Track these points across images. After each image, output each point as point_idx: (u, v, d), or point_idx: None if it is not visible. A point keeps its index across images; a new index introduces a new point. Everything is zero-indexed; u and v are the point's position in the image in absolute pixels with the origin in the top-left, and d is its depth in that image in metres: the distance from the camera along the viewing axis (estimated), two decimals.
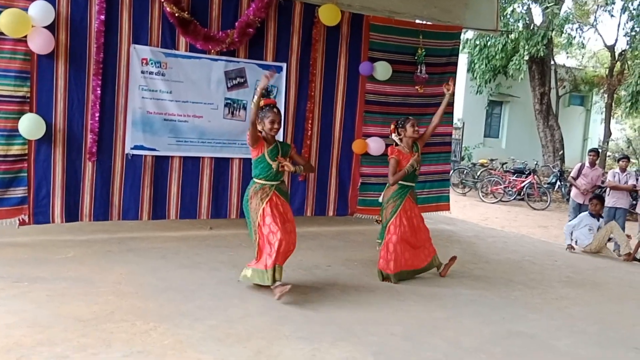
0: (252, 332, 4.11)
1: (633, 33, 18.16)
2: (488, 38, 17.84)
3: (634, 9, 17.55)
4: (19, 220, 6.19)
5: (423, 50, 8.13)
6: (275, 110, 4.97)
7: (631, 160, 22.35)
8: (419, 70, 8.15)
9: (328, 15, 7.35)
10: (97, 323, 4.05)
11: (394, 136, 5.89)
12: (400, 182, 5.73)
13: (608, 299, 5.89)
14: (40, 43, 5.98)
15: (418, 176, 5.94)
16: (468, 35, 18.45)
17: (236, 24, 6.88)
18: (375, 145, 7.91)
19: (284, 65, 7.39)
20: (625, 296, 6.10)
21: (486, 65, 18.51)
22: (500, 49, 17.55)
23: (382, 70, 7.87)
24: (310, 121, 7.61)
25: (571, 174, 10.60)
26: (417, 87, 8.23)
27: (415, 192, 5.98)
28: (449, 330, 4.47)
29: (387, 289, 5.45)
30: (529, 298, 5.56)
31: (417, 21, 8.43)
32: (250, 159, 7.24)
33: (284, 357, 3.74)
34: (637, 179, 9.81)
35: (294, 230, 5.06)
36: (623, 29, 19.20)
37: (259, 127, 4.96)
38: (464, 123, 19.05)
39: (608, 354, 4.33)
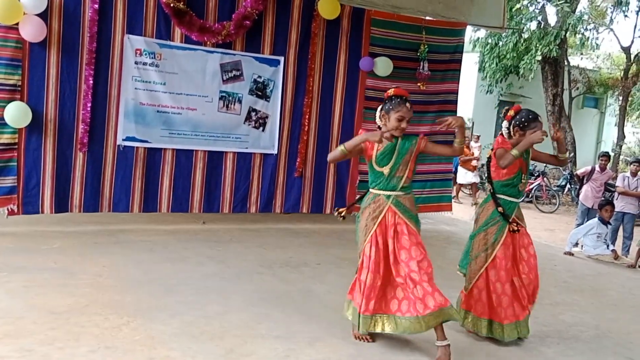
0: (228, 329, 4.00)
1: None
2: (499, 37, 17.59)
3: None
4: (7, 209, 6.13)
5: (426, 46, 7.98)
6: (407, 105, 3.92)
7: None
8: (421, 67, 8.00)
9: (327, 9, 7.22)
10: (70, 316, 3.96)
11: (504, 125, 4.46)
12: (504, 195, 4.34)
13: (605, 305, 5.72)
14: (32, 31, 5.91)
15: (521, 191, 4.44)
16: (479, 33, 18.20)
17: (233, 15, 6.78)
18: None
19: (282, 58, 7.27)
20: (623, 303, 5.93)
21: (497, 64, 18.24)
22: (511, 48, 17.28)
23: (383, 66, 7.72)
24: (307, 116, 7.47)
25: (578, 171, 10.43)
26: (419, 84, 8.08)
27: (518, 211, 4.42)
28: (433, 334, 4.32)
29: None
30: None
31: (421, 17, 8.25)
32: (244, 153, 7.23)
33: (256, 356, 3.63)
34: None
35: (400, 277, 3.85)
36: (639, 30, 18.91)
37: (380, 123, 4.01)
38: (473, 123, 18.81)
39: None
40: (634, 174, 9.59)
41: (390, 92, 4.01)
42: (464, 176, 14.34)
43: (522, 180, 4.37)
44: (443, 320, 3.74)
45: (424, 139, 3.99)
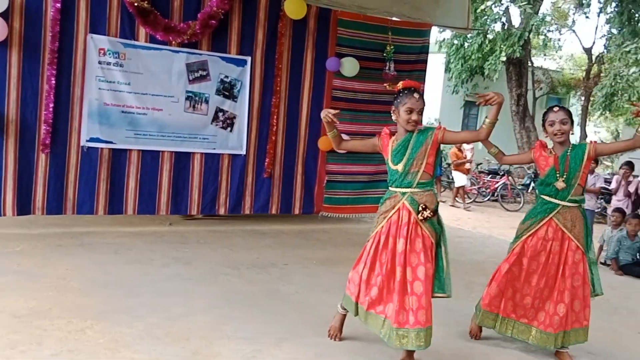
0: (193, 331, 3.98)
1: (609, 35, 18.23)
2: (465, 38, 17.80)
3: (610, 12, 17.63)
4: None
5: (392, 47, 8.03)
6: (415, 95, 3.72)
7: (604, 162, 22.47)
8: (387, 67, 8.05)
9: (294, 9, 7.20)
10: (32, 319, 3.90)
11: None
12: (542, 195, 4.19)
13: None
14: None
15: (577, 189, 4.08)
16: (445, 34, 18.41)
17: (198, 15, 6.72)
18: None
19: (249, 58, 7.24)
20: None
21: (462, 65, 18.46)
22: (476, 49, 17.50)
23: (350, 66, 7.75)
24: (275, 116, 7.45)
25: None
26: (385, 84, 8.07)
27: (578, 217, 4.12)
28: None
29: (342, 290, 5.33)
30: None
31: (387, 17, 8.30)
32: (211, 154, 7.20)
33: (222, 357, 3.62)
34: (604, 181, 9.82)
35: (401, 287, 3.64)
36: (600, 31, 19.35)
37: (393, 117, 3.84)
38: (439, 123, 19.03)
39: None
40: (591, 172, 9.82)
41: (399, 85, 3.84)
42: (460, 179, 14.28)
43: (558, 178, 4.08)
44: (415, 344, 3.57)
45: (441, 130, 3.73)
